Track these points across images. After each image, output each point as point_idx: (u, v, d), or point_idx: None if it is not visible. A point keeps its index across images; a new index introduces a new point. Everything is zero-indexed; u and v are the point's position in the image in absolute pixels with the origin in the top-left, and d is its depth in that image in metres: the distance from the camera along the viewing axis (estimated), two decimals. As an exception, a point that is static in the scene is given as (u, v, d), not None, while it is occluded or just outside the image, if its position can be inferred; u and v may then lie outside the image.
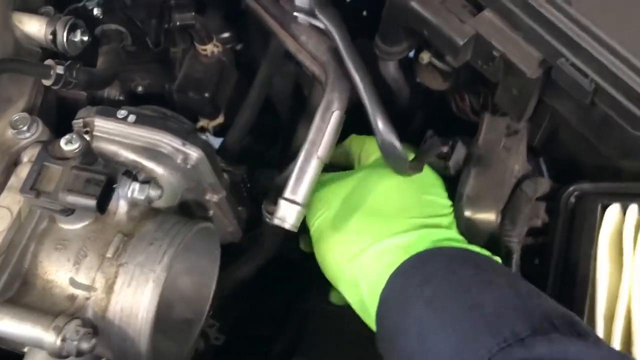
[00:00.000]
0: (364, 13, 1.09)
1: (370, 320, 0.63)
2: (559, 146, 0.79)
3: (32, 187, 0.55)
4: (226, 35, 0.96)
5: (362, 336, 0.72)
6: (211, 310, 0.72)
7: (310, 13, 0.65)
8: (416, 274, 0.60)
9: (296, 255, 0.86)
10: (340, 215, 0.67)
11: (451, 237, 0.65)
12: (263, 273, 0.88)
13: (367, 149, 0.78)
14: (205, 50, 0.91)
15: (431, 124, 1.12)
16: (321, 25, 0.66)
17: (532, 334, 0.49)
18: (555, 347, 0.48)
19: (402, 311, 0.58)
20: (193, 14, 0.85)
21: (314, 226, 0.68)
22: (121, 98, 0.81)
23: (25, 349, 0.61)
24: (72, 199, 0.54)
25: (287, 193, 0.62)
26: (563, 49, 0.66)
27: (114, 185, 0.56)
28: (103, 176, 0.55)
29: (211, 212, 0.74)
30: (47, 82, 0.67)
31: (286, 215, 0.61)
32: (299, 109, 1.02)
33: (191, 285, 0.69)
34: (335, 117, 0.62)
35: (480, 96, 0.95)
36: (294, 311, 0.97)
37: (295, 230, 0.63)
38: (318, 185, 0.68)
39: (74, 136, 0.57)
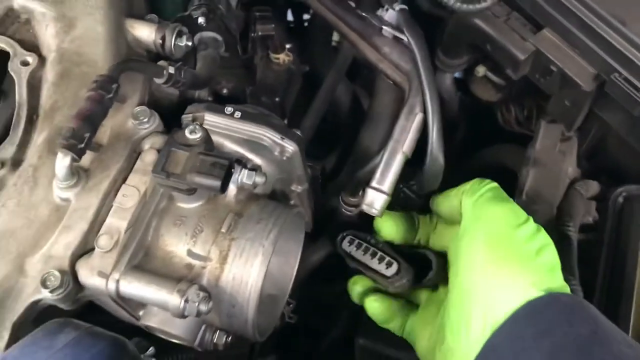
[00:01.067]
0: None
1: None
2: (604, 153, 0.88)
3: (163, 168, 0.64)
4: (289, 45, 1.05)
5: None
6: (292, 290, 0.81)
7: (397, 28, 0.74)
8: (531, 323, 0.58)
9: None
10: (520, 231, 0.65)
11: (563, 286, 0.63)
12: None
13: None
14: (278, 58, 1.00)
15: (471, 137, 1.21)
16: (405, 39, 0.75)
17: None
18: None
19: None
20: (273, 25, 0.94)
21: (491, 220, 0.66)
22: (209, 99, 0.89)
23: (140, 312, 0.69)
24: (199, 179, 0.63)
25: (375, 183, 0.70)
26: (616, 65, 0.74)
27: (232, 170, 0.65)
28: (227, 161, 0.64)
29: (292, 202, 0.83)
30: (159, 81, 0.76)
31: (374, 201, 0.70)
32: (357, 119, 1.11)
33: (278, 265, 0.78)
34: (418, 118, 0.71)
35: (525, 109, 1.04)
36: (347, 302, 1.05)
37: (380, 216, 0.72)
38: None
39: (197, 126, 0.66)
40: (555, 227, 0.75)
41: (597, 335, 0.56)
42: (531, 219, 0.66)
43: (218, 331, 0.74)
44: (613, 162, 0.85)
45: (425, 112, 0.71)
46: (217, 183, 0.63)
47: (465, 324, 0.61)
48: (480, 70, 0.97)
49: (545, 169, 0.79)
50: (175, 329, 0.67)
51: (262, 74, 1.00)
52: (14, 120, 0.74)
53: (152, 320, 0.67)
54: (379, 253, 0.75)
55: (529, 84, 0.88)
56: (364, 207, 0.71)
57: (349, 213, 0.82)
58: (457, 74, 1.02)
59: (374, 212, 0.70)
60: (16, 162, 0.72)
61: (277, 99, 0.99)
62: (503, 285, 0.60)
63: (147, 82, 0.79)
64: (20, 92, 0.76)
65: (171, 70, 0.76)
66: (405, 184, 0.80)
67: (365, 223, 0.82)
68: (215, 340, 0.74)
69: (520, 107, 1.04)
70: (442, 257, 0.74)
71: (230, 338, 0.75)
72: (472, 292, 0.62)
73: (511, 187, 0.82)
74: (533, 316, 0.58)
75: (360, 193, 0.76)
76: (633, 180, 0.81)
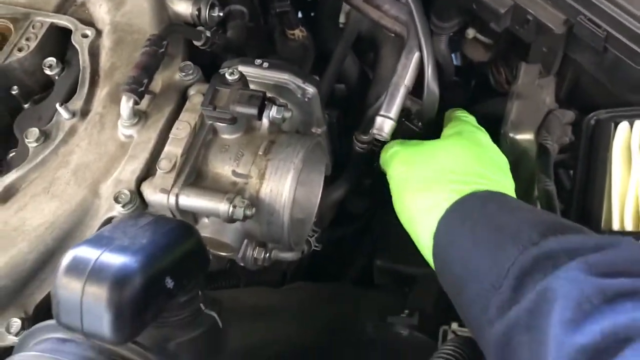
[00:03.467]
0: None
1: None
2: (579, 92, 1.02)
3: (210, 102, 0.78)
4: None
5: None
6: (316, 217, 0.95)
7: (394, -13, 0.89)
8: (457, 215, 0.73)
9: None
10: (420, 169, 0.81)
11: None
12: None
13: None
14: (293, 34, 1.14)
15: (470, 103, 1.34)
16: (402, -2, 0.90)
17: (543, 237, 0.63)
18: (562, 241, 0.62)
19: (449, 245, 0.72)
20: (289, 2, 1.09)
21: (396, 174, 0.83)
22: (238, 65, 1.04)
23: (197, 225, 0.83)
24: (240, 108, 0.78)
25: (382, 111, 0.84)
26: (581, 8, 0.88)
27: (266, 99, 0.79)
28: (261, 93, 0.78)
29: (313, 144, 0.97)
30: (198, 43, 0.91)
31: (383, 126, 0.84)
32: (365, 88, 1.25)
33: (303, 194, 0.91)
34: (416, 56, 0.86)
35: (514, 69, 1.18)
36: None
37: (388, 140, 0.86)
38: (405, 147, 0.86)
39: (235, 69, 0.81)
40: (536, 143, 0.89)
41: (503, 208, 0.71)
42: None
43: (257, 247, 0.87)
44: (586, 98, 0.99)
45: (420, 50, 0.85)
46: (254, 110, 0.77)
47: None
48: (470, 32, 1.11)
49: (526, 100, 0.93)
50: (224, 237, 0.81)
51: (280, 48, 1.15)
52: (79, 81, 0.89)
53: (205, 231, 0.81)
54: None
55: (512, 42, 1.03)
56: (374, 132, 0.85)
57: (361, 150, 0.96)
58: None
59: (383, 135, 0.85)
60: (84, 112, 0.87)
61: (294, 69, 1.14)
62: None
63: (187, 44, 0.94)
64: (83, 59, 0.91)
65: (208, 34, 0.91)
66: (407, 118, 0.94)
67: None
68: (255, 255, 0.87)
69: (509, 67, 1.18)
70: None
71: (267, 254, 0.89)
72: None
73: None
74: (458, 210, 0.73)
75: (370, 131, 0.90)
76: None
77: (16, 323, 0.76)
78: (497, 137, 0.96)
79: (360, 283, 1.12)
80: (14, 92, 0.93)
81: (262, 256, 0.88)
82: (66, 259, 0.61)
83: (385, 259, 1.00)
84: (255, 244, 0.87)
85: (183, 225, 0.67)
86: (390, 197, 0.93)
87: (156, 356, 0.64)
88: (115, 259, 0.60)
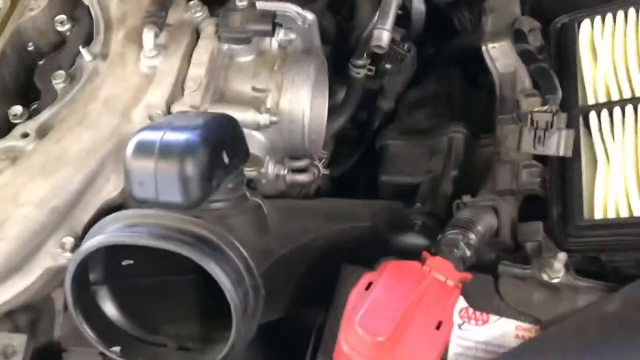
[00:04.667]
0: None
1: None
2: (541, 9, 1.14)
3: (225, 25, 0.87)
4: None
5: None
6: (324, 139, 1.03)
7: None
8: None
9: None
10: None
11: None
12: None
13: None
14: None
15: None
16: None
17: None
18: None
19: None
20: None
21: None
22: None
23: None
24: (254, 26, 0.86)
25: (378, 24, 0.94)
26: None
27: (275, 20, 0.88)
28: (272, 11, 0.87)
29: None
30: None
31: (381, 37, 0.93)
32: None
33: (310, 118, 1.00)
34: (402, -26, 0.96)
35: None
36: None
37: (386, 50, 0.95)
38: None
39: (244, -4, 0.90)
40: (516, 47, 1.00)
41: None
42: None
43: (277, 164, 0.95)
44: (547, 11, 1.12)
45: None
46: (268, 26, 0.86)
47: None
48: (436, -30, 1.23)
49: (498, 12, 1.05)
50: (251, 149, 0.88)
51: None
52: (94, 28, 0.96)
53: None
54: None
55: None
56: (373, 43, 0.94)
57: (357, 76, 1.05)
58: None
59: (382, 45, 0.94)
60: (104, 54, 0.94)
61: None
62: None
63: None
64: (95, 11, 0.98)
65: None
66: (395, 44, 1.04)
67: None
68: (276, 171, 0.95)
69: (472, 10, 1.30)
70: None
71: (286, 171, 0.96)
72: None
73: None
74: None
75: (364, 54, 1.00)
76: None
77: (69, 240, 0.81)
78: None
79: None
80: (30, 49, 0.99)
81: (282, 173, 0.95)
82: (132, 143, 0.67)
83: (390, 173, 1.08)
84: (275, 160, 0.95)
85: (226, 115, 0.75)
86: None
87: (219, 228, 0.71)
88: (179, 136, 0.67)
